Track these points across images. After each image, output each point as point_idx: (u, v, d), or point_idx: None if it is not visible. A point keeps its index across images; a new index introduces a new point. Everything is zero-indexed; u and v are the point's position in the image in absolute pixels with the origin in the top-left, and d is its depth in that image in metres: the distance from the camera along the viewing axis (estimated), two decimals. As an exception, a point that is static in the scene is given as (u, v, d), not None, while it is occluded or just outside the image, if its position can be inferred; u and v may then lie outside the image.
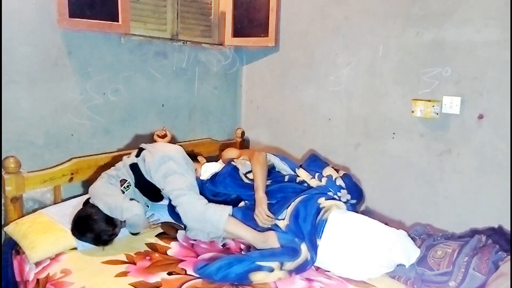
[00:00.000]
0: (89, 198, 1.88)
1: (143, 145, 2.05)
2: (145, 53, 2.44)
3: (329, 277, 1.68)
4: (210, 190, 2.11)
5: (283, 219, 1.85)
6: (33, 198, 2.01)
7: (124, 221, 1.83)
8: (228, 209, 1.83)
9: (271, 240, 1.79)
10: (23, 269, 1.73)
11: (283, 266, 1.64)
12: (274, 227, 1.86)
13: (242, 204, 2.05)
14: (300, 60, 2.69)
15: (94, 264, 1.67)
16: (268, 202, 1.92)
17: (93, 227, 1.74)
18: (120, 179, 1.92)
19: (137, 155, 2.00)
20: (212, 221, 1.77)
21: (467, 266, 1.58)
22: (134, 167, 1.95)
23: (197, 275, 1.61)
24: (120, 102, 2.36)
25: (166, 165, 1.91)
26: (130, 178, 1.94)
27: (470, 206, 2.06)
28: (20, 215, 1.91)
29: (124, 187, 1.89)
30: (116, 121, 2.36)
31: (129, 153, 2.08)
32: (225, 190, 2.08)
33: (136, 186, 1.95)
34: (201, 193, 2.13)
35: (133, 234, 1.91)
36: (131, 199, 1.87)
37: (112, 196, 1.81)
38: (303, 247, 1.72)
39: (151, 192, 2.00)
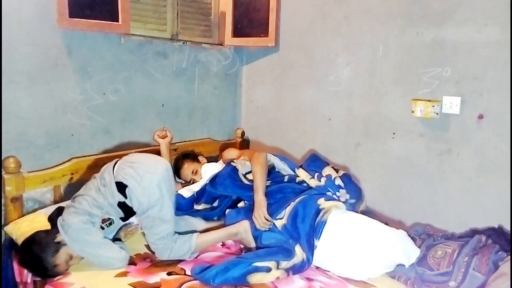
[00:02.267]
0: (55, 217, 1.71)
1: (122, 179, 1.71)
2: (145, 53, 2.44)
3: (329, 277, 1.68)
4: (211, 193, 2.12)
5: (281, 219, 1.85)
6: (33, 198, 2.01)
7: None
8: (194, 237, 1.78)
9: (243, 227, 1.85)
10: (22, 270, 1.72)
11: (280, 265, 1.64)
12: (272, 227, 1.86)
13: (241, 204, 2.05)
14: (300, 60, 2.69)
15: (94, 265, 1.67)
16: (267, 202, 1.92)
17: (32, 263, 1.59)
18: (103, 218, 1.73)
19: (120, 191, 1.72)
20: (184, 255, 1.75)
21: (467, 266, 1.58)
22: (123, 206, 1.75)
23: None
24: (120, 102, 2.36)
25: (151, 211, 1.72)
26: (117, 215, 1.78)
27: (470, 206, 2.06)
28: (20, 215, 1.91)
29: (106, 225, 1.74)
30: (116, 121, 2.36)
31: (115, 157, 1.90)
32: (224, 191, 2.09)
33: (121, 218, 1.81)
34: (201, 199, 2.15)
35: (115, 240, 1.80)
36: (115, 239, 1.78)
37: (93, 247, 1.63)
38: (297, 249, 1.72)
39: (129, 217, 1.85)
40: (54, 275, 1.60)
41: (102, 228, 1.72)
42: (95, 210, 1.69)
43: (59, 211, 1.73)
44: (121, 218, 1.82)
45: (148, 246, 1.85)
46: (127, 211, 1.78)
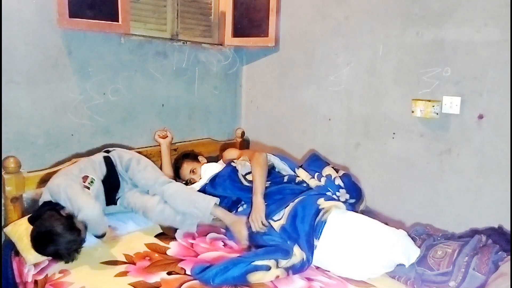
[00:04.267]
0: (41, 205, 1.79)
1: (109, 149, 2.13)
2: (145, 53, 2.44)
3: (329, 277, 1.68)
4: (210, 193, 2.12)
5: (280, 219, 1.85)
6: (33, 198, 2.01)
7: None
8: (216, 199, 1.99)
9: (239, 222, 1.92)
10: (22, 270, 1.73)
11: (279, 264, 1.64)
12: (269, 229, 1.87)
13: (241, 209, 2.05)
14: (300, 60, 2.69)
15: (93, 264, 1.67)
16: (266, 203, 1.93)
17: (59, 241, 1.59)
18: (82, 176, 1.85)
19: (107, 152, 2.09)
20: (201, 207, 1.94)
21: (467, 266, 1.58)
22: (108, 160, 2.02)
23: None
24: (120, 102, 2.36)
25: (143, 159, 2.10)
26: (100, 172, 1.96)
27: (470, 206, 2.05)
28: (20, 215, 1.91)
29: (88, 183, 1.84)
30: (116, 121, 2.36)
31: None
32: (224, 192, 2.09)
33: (103, 180, 1.95)
34: None
35: (97, 237, 1.81)
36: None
37: (73, 190, 1.74)
38: (296, 249, 1.72)
39: (112, 190, 2.00)
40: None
41: (88, 188, 1.82)
42: (74, 169, 1.88)
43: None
44: (103, 181, 1.94)
45: (147, 245, 1.85)
46: (110, 169, 1.99)
